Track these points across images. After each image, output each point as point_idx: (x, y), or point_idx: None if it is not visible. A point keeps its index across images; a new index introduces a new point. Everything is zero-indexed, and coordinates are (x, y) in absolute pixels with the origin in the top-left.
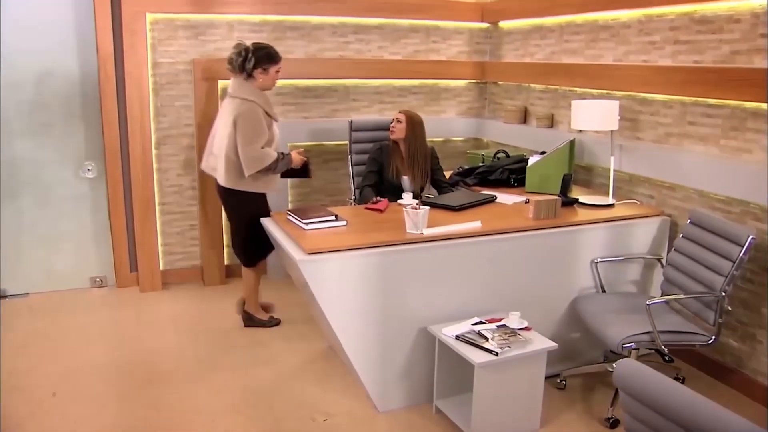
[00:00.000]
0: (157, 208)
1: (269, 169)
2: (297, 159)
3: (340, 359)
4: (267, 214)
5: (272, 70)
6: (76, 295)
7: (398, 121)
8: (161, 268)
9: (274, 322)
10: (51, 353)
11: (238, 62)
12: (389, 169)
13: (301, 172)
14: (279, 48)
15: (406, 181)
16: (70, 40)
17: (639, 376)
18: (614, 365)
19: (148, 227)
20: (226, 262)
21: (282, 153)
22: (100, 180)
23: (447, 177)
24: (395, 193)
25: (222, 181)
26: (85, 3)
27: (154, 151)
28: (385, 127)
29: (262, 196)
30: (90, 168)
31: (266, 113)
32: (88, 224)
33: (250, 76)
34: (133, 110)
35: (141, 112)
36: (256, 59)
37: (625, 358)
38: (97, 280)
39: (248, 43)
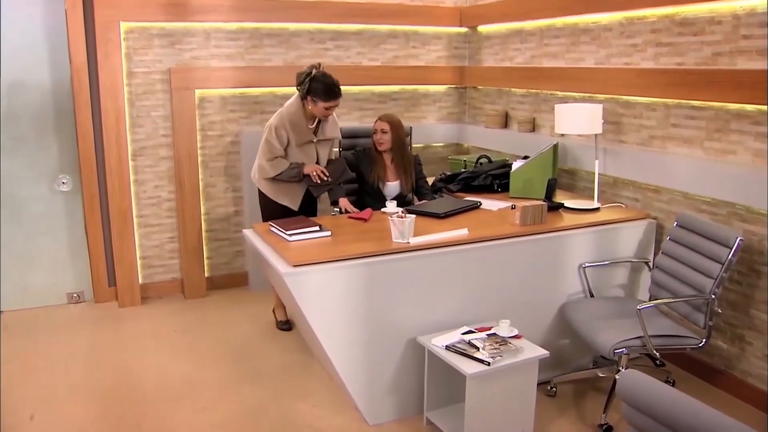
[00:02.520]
0: (135, 220)
1: (278, 177)
2: (310, 168)
3: (326, 372)
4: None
5: (322, 104)
6: (52, 311)
7: (383, 131)
8: (140, 281)
9: (285, 327)
10: (28, 373)
11: (298, 81)
12: (370, 175)
13: (337, 172)
14: (256, 56)
15: (391, 187)
16: (41, 50)
17: (644, 387)
18: (617, 376)
19: (126, 240)
20: (206, 274)
21: (292, 163)
22: (76, 193)
23: (430, 183)
24: (379, 199)
25: (251, 173)
26: (56, 11)
27: (130, 163)
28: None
29: (274, 202)
30: (65, 181)
31: (289, 133)
32: (63, 238)
33: (304, 98)
34: (108, 121)
35: (116, 122)
36: (309, 88)
37: (629, 369)
38: (74, 295)
39: (321, 68)
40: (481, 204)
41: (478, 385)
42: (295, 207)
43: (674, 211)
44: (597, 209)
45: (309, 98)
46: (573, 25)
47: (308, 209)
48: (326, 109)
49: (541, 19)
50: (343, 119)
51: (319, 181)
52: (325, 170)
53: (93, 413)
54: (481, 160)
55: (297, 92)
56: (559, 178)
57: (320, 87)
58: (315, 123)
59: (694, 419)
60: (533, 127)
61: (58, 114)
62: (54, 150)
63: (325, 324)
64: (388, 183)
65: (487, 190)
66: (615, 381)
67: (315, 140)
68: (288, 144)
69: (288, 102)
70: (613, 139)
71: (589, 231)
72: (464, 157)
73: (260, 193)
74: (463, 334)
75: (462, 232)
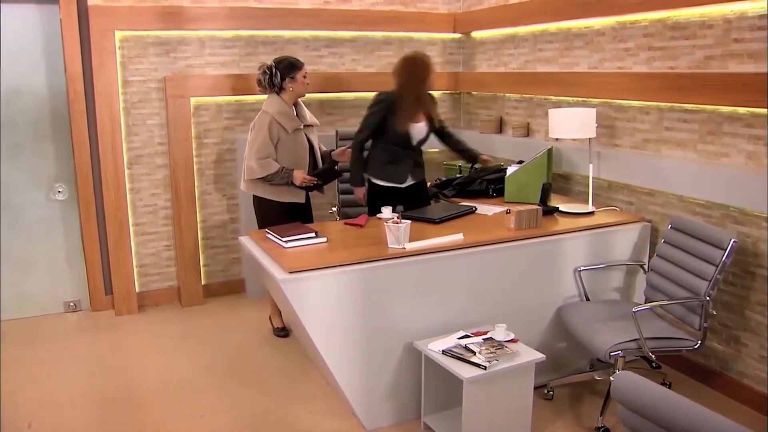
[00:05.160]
0: (131, 228)
1: (266, 180)
2: (299, 178)
3: (323, 378)
4: (283, 221)
5: (299, 76)
6: (49, 320)
7: None
8: (137, 290)
9: (282, 333)
10: (26, 382)
11: (267, 81)
12: (402, 122)
13: (327, 176)
14: (251, 64)
15: (419, 127)
16: (37, 59)
17: (638, 389)
18: (612, 378)
19: (123, 249)
20: (203, 282)
21: (283, 168)
22: (72, 202)
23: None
24: (406, 146)
25: (241, 184)
26: (52, 20)
27: (126, 171)
28: None
29: (276, 203)
30: (61, 190)
31: (279, 124)
32: (60, 247)
33: (281, 89)
34: (104, 130)
35: (112, 131)
36: (281, 72)
37: (624, 371)
38: (71, 304)
39: (269, 62)
40: (476, 209)
41: (475, 389)
42: (302, 200)
43: (668, 213)
44: (592, 213)
45: (287, 81)
46: (566, 30)
47: (305, 215)
48: (305, 77)
49: (534, 24)
50: (339, 126)
51: (311, 185)
52: (312, 178)
53: (91, 421)
54: (476, 166)
55: (272, 95)
56: (554, 182)
57: (287, 64)
58: (295, 112)
59: (690, 421)
60: (527, 131)
61: (54, 123)
62: (50, 159)
63: (322, 330)
64: (418, 124)
65: (483, 195)
66: (611, 383)
67: (302, 126)
68: (279, 140)
69: (265, 103)
70: (607, 143)
71: (584, 234)
72: (459, 163)
73: (258, 199)
74: (460, 338)
75: (457, 237)
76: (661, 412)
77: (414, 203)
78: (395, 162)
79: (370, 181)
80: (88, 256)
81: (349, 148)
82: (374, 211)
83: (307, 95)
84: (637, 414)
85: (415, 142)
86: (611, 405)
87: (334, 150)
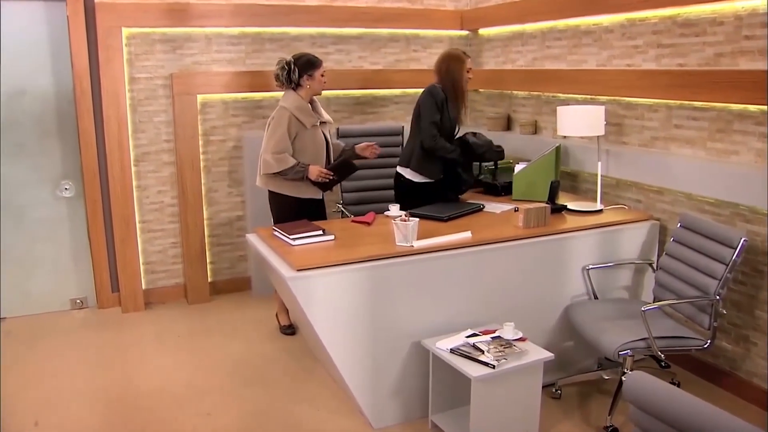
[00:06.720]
0: (138, 226)
1: (282, 175)
2: (315, 173)
3: (330, 376)
4: (298, 217)
5: (317, 73)
6: (55, 318)
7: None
8: (143, 287)
9: (288, 331)
10: (31, 380)
11: (285, 76)
12: (452, 117)
13: (344, 171)
14: (258, 60)
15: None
16: (43, 57)
17: (651, 388)
18: (623, 378)
19: (129, 246)
20: (209, 279)
21: (299, 162)
22: (79, 199)
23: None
24: (447, 140)
25: (256, 179)
26: (58, 18)
27: (133, 168)
28: (373, 134)
29: (292, 199)
30: (67, 187)
31: (298, 120)
32: (66, 244)
33: (298, 85)
34: (110, 127)
35: (119, 128)
36: (299, 68)
37: (636, 371)
38: (78, 301)
39: (288, 57)
40: (484, 207)
41: (483, 388)
42: (318, 195)
43: (677, 212)
44: (600, 211)
45: (305, 78)
46: (574, 27)
47: (319, 212)
48: (322, 76)
49: (542, 21)
50: (344, 123)
51: (327, 180)
52: (329, 172)
53: (97, 419)
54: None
55: (288, 91)
56: (562, 180)
57: (306, 61)
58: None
59: (703, 421)
60: (535, 129)
61: (61, 120)
62: (57, 156)
63: (329, 328)
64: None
65: (491, 192)
66: (620, 383)
67: (318, 122)
68: (297, 135)
69: (282, 99)
70: (615, 140)
71: (593, 233)
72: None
73: (273, 194)
74: (468, 337)
75: (465, 235)
76: (674, 413)
77: (441, 198)
78: (434, 157)
79: (400, 176)
80: (94, 254)
81: (373, 144)
82: (404, 206)
83: None
84: (649, 414)
85: (455, 137)
86: (620, 404)
87: (356, 144)
